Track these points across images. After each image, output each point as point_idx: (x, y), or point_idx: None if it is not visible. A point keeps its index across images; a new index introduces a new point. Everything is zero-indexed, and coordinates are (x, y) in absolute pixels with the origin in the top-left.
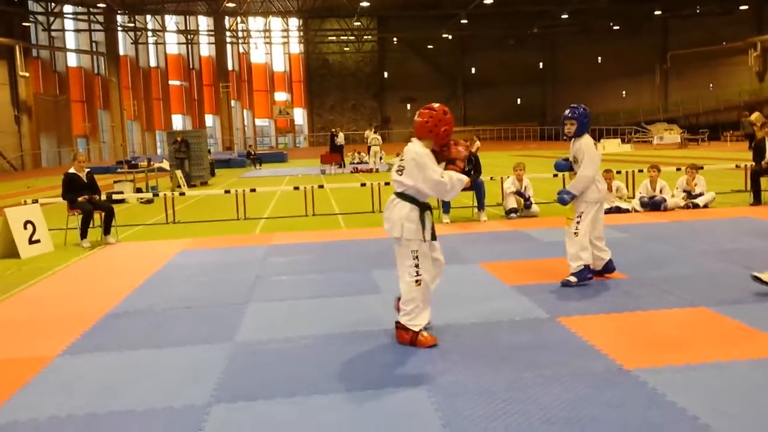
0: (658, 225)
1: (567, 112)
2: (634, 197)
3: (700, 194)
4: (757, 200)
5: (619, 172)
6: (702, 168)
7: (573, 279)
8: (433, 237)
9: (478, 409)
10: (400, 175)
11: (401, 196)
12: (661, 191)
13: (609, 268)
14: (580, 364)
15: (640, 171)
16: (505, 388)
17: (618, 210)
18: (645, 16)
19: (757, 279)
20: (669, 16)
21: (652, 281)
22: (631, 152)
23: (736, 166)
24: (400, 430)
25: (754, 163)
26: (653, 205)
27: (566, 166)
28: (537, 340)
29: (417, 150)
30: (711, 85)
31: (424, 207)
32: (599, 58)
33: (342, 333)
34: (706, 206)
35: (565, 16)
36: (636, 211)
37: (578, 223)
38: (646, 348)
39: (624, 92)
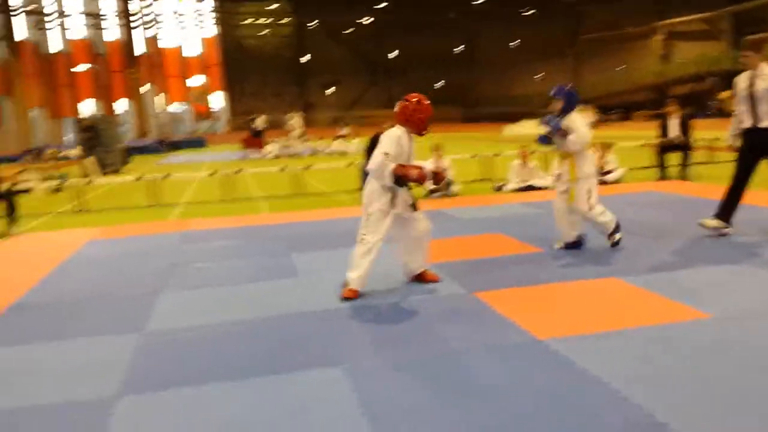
0: None
1: (554, 91)
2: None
3: (610, 171)
4: (663, 175)
5: (534, 152)
6: (612, 146)
7: (616, 236)
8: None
9: (392, 386)
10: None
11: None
12: None
13: (579, 243)
14: (495, 336)
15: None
16: (420, 364)
17: (532, 188)
18: (555, 1)
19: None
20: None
21: (564, 254)
22: None
23: (644, 145)
24: (316, 412)
25: (662, 139)
26: None
27: (546, 140)
28: (454, 315)
29: (389, 132)
30: (623, 66)
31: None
32: (515, 42)
33: (257, 318)
34: (616, 182)
35: (480, 1)
36: (551, 188)
37: (589, 199)
38: (560, 319)
39: (541, 75)
